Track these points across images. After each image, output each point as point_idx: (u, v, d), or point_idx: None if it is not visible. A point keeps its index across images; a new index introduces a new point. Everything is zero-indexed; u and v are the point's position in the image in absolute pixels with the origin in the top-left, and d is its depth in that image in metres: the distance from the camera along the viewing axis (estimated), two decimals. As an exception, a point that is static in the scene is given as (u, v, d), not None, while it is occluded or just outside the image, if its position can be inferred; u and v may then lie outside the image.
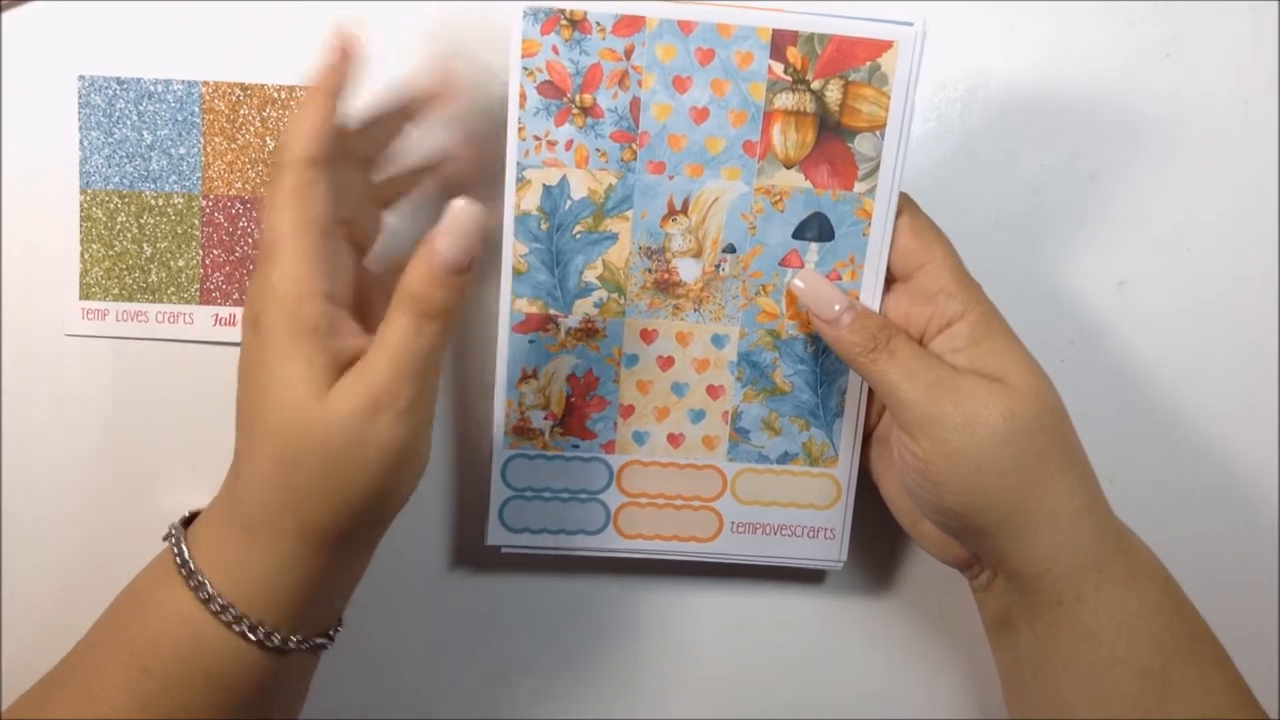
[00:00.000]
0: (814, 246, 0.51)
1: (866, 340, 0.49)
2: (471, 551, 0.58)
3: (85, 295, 0.57)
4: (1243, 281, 0.59)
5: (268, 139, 0.56)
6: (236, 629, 0.44)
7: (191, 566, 0.45)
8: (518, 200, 0.51)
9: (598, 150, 0.50)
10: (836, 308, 0.49)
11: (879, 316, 0.50)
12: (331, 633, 0.48)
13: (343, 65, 0.47)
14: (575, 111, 0.50)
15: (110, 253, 0.57)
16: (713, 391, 0.54)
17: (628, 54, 0.49)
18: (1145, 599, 0.48)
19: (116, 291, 0.57)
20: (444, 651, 0.60)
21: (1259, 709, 0.49)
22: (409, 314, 0.44)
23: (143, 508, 0.58)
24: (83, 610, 0.47)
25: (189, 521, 0.48)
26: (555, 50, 0.49)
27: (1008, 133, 0.58)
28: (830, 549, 0.55)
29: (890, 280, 0.52)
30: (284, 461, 0.44)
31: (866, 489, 0.56)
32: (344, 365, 0.45)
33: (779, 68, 0.49)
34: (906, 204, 0.51)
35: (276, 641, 0.45)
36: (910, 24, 0.49)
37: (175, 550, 0.46)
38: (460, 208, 0.44)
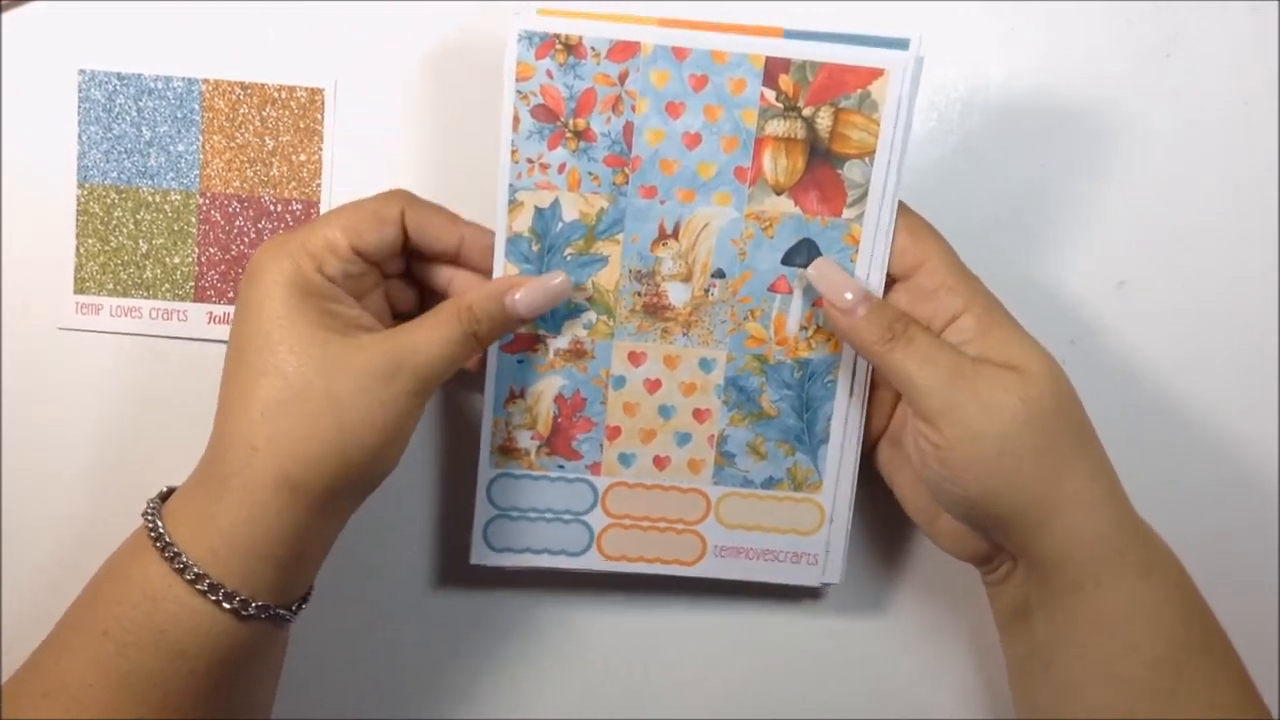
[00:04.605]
0: (802, 273, 0.52)
1: (883, 331, 0.49)
2: (456, 569, 0.58)
3: (80, 289, 0.57)
4: (1243, 281, 0.59)
5: (266, 138, 0.57)
6: (199, 588, 0.44)
7: (160, 529, 0.46)
8: (509, 222, 0.51)
9: (590, 174, 0.51)
10: (849, 296, 0.49)
11: (895, 307, 0.50)
12: (294, 606, 0.48)
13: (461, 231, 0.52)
14: (568, 135, 0.50)
15: (106, 248, 0.57)
16: (699, 415, 0.54)
17: (621, 79, 0.50)
18: (1160, 589, 0.48)
19: (111, 286, 0.57)
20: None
21: (1264, 709, 0.49)
22: (462, 325, 0.48)
23: (131, 501, 0.56)
24: (61, 591, 0.48)
25: (166, 497, 0.49)
26: (550, 74, 0.50)
27: (1008, 133, 0.58)
28: (812, 574, 0.56)
29: (891, 281, 0.52)
30: (281, 404, 0.45)
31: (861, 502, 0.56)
32: (347, 329, 0.48)
33: (771, 95, 0.49)
34: (898, 204, 0.51)
35: (235, 604, 0.45)
36: (905, 45, 0.49)
37: (148, 518, 0.46)
38: (557, 280, 0.50)
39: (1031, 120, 0.58)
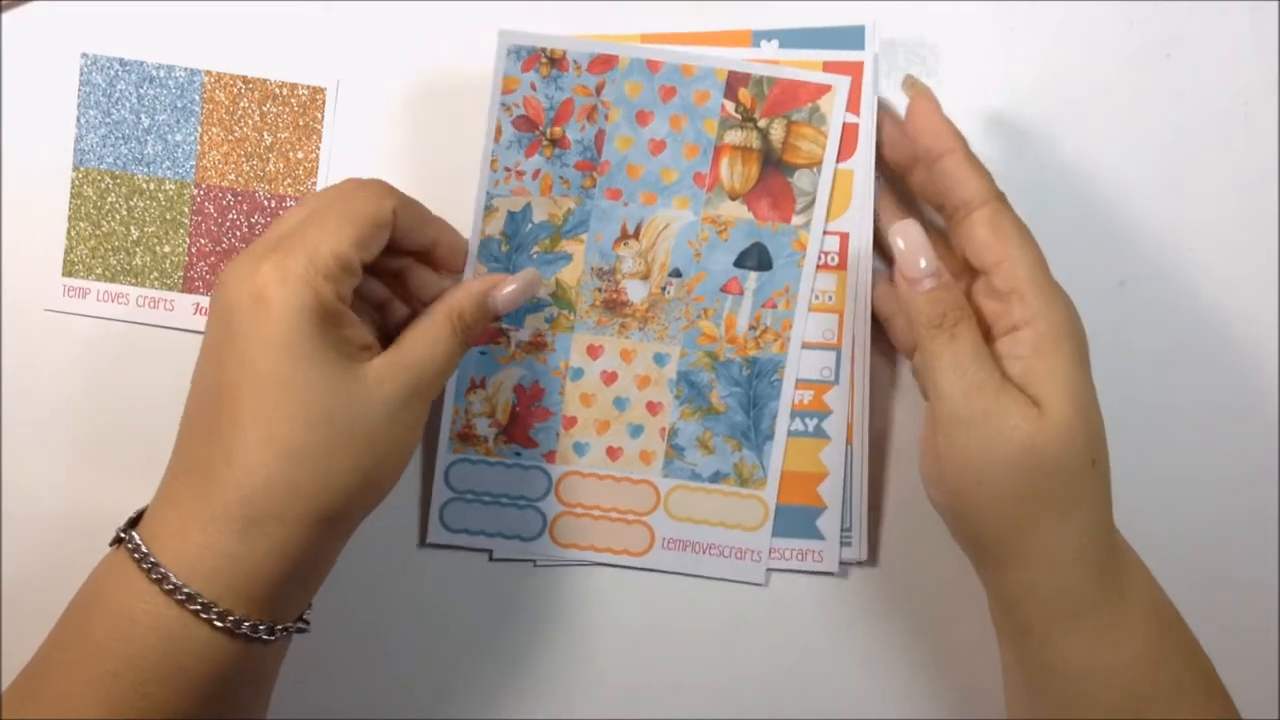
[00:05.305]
0: (753, 275, 0.56)
1: (936, 314, 0.49)
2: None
3: (68, 272, 0.58)
4: (1243, 281, 0.59)
5: (265, 133, 0.58)
6: (220, 625, 0.43)
7: (164, 570, 0.44)
8: (483, 226, 0.55)
9: (561, 178, 0.56)
10: (922, 264, 0.49)
11: (959, 293, 0.50)
12: (307, 615, 0.48)
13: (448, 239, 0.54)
14: (545, 144, 0.55)
15: (97, 232, 0.58)
16: (652, 408, 0.57)
17: (598, 90, 0.55)
18: (1121, 650, 0.48)
19: (100, 271, 0.58)
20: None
21: None
22: (456, 332, 0.50)
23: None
24: (46, 588, 0.48)
25: (134, 522, 0.47)
26: (533, 86, 0.55)
27: (1008, 133, 0.58)
28: (755, 571, 0.57)
29: (974, 272, 0.52)
30: (319, 447, 0.45)
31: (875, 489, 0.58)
32: (357, 354, 0.47)
33: (730, 106, 0.55)
34: (992, 197, 0.50)
35: (263, 632, 0.45)
36: (860, 33, 0.55)
37: (138, 554, 0.45)
38: (533, 275, 0.53)
39: (1031, 120, 0.59)
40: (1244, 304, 0.60)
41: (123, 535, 0.46)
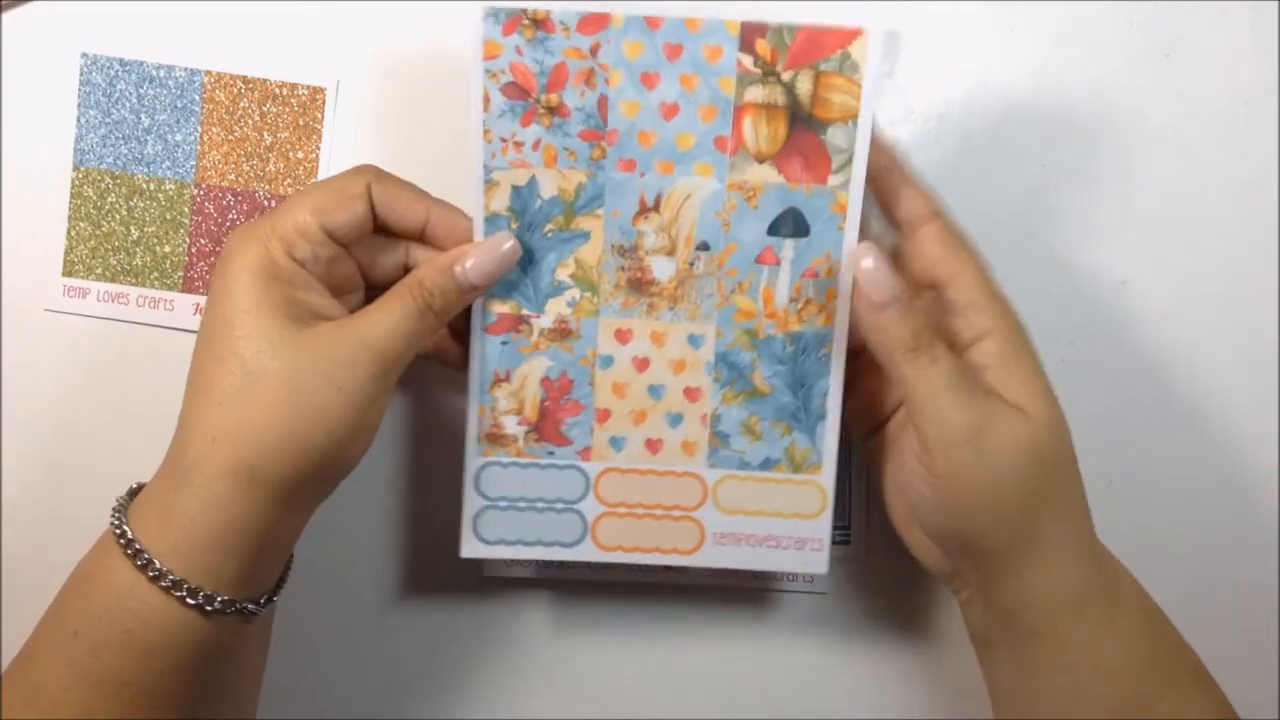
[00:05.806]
0: (789, 243, 0.50)
1: (909, 338, 0.46)
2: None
3: (68, 272, 0.58)
4: (1243, 281, 0.59)
5: (265, 133, 0.57)
6: (161, 584, 0.44)
7: (124, 527, 0.45)
8: (486, 201, 0.50)
9: (566, 149, 0.49)
10: (887, 287, 0.46)
11: (926, 316, 0.48)
12: (262, 600, 0.47)
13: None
14: (541, 112, 0.49)
15: (97, 232, 0.58)
16: (690, 394, 0.52)
17: (593, 52, 0.48)
18: (1123, 639, 0.48)
19: (100, 271, 0.58)
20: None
21: None
22: (416, 302, 0.48)
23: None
24: (46, 589, 0.48)
25: (136, 493, 0.48)
26: (519, 50, 0.48)
27: (1008, 133, 0.58)
28: (817, 561, 0.53)
29: (920, 289, 0.50)
30: (238, 393, 0.45)
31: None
32: (310, 318, 0.47)
33: (748, 60, 0.47)
34: (936, 213, 0.50)
35: (199, 599, 0.44)
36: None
37: (114, 515, 0.46)
38: (506, 244, 0.49)
39: (1032, 121, 0.58)
40: (1244, 303, 0.59)
41: (119, 498, 0.47)
